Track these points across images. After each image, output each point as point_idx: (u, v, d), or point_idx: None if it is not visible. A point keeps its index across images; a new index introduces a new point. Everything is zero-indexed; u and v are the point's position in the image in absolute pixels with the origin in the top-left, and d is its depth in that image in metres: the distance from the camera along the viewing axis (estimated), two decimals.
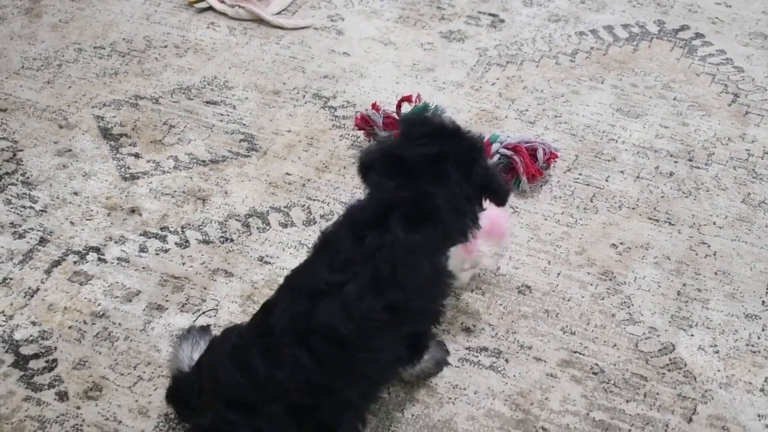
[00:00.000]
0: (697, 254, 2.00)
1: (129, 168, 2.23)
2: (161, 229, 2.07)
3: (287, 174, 2.21)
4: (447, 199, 1.47)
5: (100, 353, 1.81)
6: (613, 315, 1.87)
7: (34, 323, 1.86)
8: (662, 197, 2.14)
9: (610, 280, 1.94)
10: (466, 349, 1.81)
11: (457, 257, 1.74)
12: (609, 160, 2.24)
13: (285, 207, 2.12)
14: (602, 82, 2.48)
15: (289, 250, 2.01)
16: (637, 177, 2.19)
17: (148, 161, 2.25)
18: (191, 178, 2.20)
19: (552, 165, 2.19)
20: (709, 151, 2.26)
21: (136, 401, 1.72)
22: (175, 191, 2.17)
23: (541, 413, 1.70)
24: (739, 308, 1.89)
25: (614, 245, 2.02)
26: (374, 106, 2.24)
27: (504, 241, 1.94)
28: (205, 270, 1.97)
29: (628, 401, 1.72)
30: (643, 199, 2.13)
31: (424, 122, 1.57)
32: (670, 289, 1.93)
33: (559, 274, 1.96)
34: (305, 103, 2.42)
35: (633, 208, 2.11)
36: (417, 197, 1.46)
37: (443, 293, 1.60)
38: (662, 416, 1.69)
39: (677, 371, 1.77)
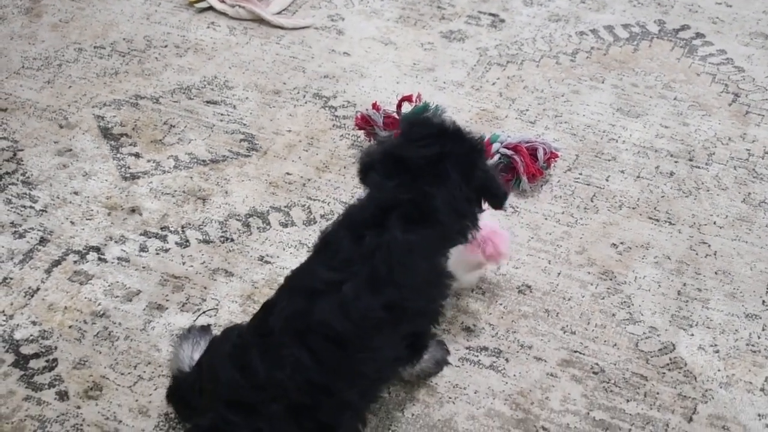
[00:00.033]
0: (697, 254, 2.00)
1: (129, 168, 2.23)
2: (161, 228, 2.07)
3: (287, 174, 2.21)
4: (446, 201, 1.47)
5: (100, 353, 1.81)
6: (614, 314, 1.87)
7: (34, 323, 1.86)
8: (662, 197, 2.14)
9: (611, 279, 1.94)
10: (467, 348, 1.81)
11: (462, 258, 1.74)
12: (609, 160, 2.24)
13: (285, 207, 2.12)
14: (603, 82, 2.48)
15: (289, 250, 2.01)
16: (638, 177, 2.19)
17: (149, 161, 2.25)
18: (191, 177, 2.20)
19: (552, 165, 2.19)
20: (709, 151, 2.26)
21: (137, 401, 1.72)
22: (175, 191, 2.17)
23: (541, 413, 1.70)
24: (740, 308, 1.89)
25: (614, 245, 2.02)
26: (374, 106, 2.24)
27: (503, 260, 1.91)
28: (206, 269, 1.97)
29: (628, 401, 1.72)
30: (644, 199, 2.13)
31: (425, 123, 1.57)
32: (671, 289, 1.93)
33: (559, 273, 1.96)
34: (305, 102, 2.42)
35: (633, 208, 2.11)
36: (416, 198, 1.46)
37: (442, 293, 1.59)
38: (662, 416, 1.69)
39: (677, 371, 1.77)
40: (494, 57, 2.57)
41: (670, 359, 1.79)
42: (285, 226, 2.07)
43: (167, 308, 1.89)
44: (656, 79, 2.49)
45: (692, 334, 1.83)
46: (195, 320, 1.86)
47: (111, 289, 1.93)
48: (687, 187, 2.16)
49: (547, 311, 1.88)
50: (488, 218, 1.68)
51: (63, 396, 1.73)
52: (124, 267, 1.98)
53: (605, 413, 1.70)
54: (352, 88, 2.46)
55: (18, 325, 1.86)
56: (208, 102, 2.43)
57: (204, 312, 1.88)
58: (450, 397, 1.72)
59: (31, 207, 2.12)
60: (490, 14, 2.74)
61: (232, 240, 2.04)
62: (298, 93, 2.45)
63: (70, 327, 1.85)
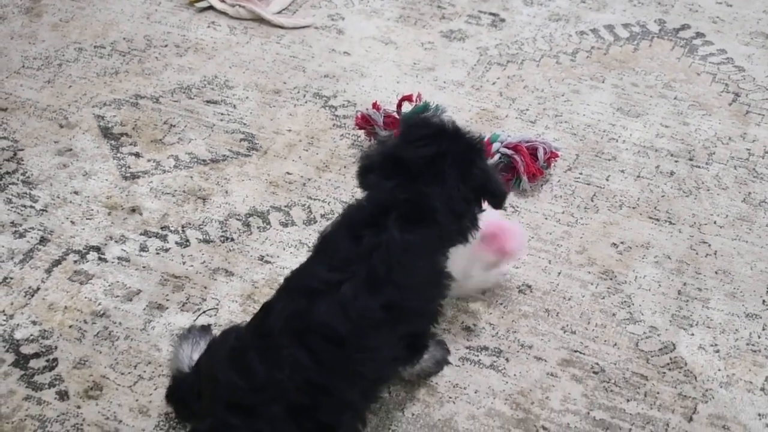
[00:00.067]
0: (697, 253, 2.00)
1: (129, 167, 2.23)
2: (162, 228, 2.07)
3: (288, 173, 2.21)
4: (444, 201, 1.47)
5: (100, 352, 1.81)
6: (614, 314, 1.87)
7: (34, 322, 1.86)
8: (663, 196, 2.14)
9: (611, 279, 1.94)
10: (467, 348, 1.81)
11: (476, 257, 1.73)
12: (609, 160, 2.24)
13: (285, 206, 2.12)
14: (603, 82, 2.48)
15: (289, 250, 2.01)
16: (638, 176, 2.19)
17: (149, 160, 2.25)
18: (192, 177, 2.20)
19: (552, 164, 2.19)
20: (709, 151, 2.26)
21: (137, 400, 1.72)
22: (175, 190, 2.17)
23: (541, 412, 1.70)
24: (740, 307, 1.89)
25: (615, 244, 2.02)
26: (375, 106, 2.24)
27: (517, 256, 1.90)
28: (206, 269, 1.97)
29: (628, 400, 1.72)
30: (644, 199, 2.13)
31: (423, 123, 1.57)
32: (671, 289, 1.93)
33: (559, 273, 1.96)
34: (306, 102, 2.42)
35: (633, 208, 2.11)
36: (414, 198, 1.46)
37: (441, 293, 1.59)
38: (663, 415, 1.69)
39: (678, 370, 1.77)
40: (494, 56, 2.57)
41: (671, 359, 1.79)
42: (285, 225, 2.07)
43: (167, 308, 1.89)
44: (656, 78, 2.49)
45: (692, 334, 1.83)
46: (195, 320, 1.86)
47: (111, 289, 1.93)
48: (687, 187, 2.16)
49: (548, 311, 1.88)
50: (498, 215, 1.67)
51: (63, 396, 1.73)
52: (124, 267, 1.98)
53: (605, 413, 1.70)
54: (352, 88, 2.46)
55: (18, 324, 1.86)
56: (208, 101, 2.43)
57: (204, 312, 1.88)
58: (450, 397, 1.72)
59: (31, 207, 2.12)
60: (491, 14, 2.74)
61: (233, 240, 2.04)
62: (299, 92, 2.45)
63: (70, 327, 1.85)
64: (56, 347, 1.81)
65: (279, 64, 2.55)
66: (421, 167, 1.48)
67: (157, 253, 2.01)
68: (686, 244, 2.02)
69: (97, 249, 2.02)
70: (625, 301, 1.90)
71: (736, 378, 1.76)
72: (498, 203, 1.57)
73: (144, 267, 1.98)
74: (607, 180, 2.18)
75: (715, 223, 2.07)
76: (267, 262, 1.98)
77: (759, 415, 1.69)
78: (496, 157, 2.12)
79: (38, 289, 1.93)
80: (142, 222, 2.08)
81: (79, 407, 1.71)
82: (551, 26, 2.69)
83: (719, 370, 1.77)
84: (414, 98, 2.21)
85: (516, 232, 1.81)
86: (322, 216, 2.09)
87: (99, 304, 1.90)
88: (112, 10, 2.78)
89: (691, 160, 2.23)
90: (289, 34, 2.68)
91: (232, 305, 1.89)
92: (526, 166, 2.11)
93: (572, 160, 2.24)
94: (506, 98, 2.42)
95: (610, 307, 1.89)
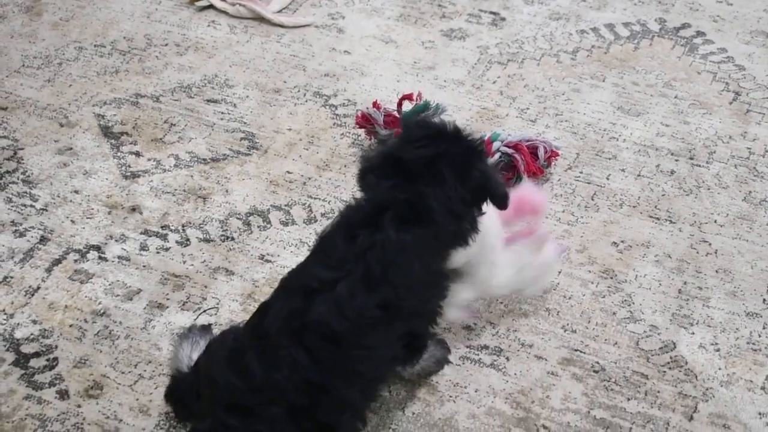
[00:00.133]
0: (698, 252, 2.00)
1: (130, 166, 2.23)
2: (162, 227, 2.07)
3: (288, 172, 2.21)
4: (441, 201, 1.47)
5: (100, 352, 1.81)
6: (614, 313, 1.87)
7: (34, 322, 1.86)
8: (663, 195, 2.14)
9: (611, 278, 1.94)
10: (467, 347, 1.81)
11: (501, 232, 1.73)
12: (610, 159, 2.24)
13: (286, 205, 2.12)
14: (603, 81, 2.47)
15: (289, 249, 2.01)
16: (638, 175, 2.19)
17: (149, 159, 2.25)
18: (192, 176, 2.20)
19: (553, 163, 2.19)
20: (710, 150, 2.26)
21: (137, 400, 1.72)
22: (175, 189, 2.17)
23: (542, 411, 1.70)
24: (740, 306, 1.89)
25: (615, 243, 2.02)
26: (375, 105, 2.23)
27: (540, 216, 1.86)
28: (206, 268, 1.97)
29: (629, 399, 1.72)
30: (644, 198, 2.13)
31: (423, 124, 1.57)
32: (671, 287, 1.92)
33: (560, 272, 1.96)
34: (306, 101, 2.42)
35: (634, 207, 2.11)
36: (411, 198, 1.46)
37: (439, 294, 1.59)
38: (663, 414, 1.69)
39: (678, 369, 1.77)
40: (495, 55, 2.57)
41: (671, 358, 1.79)
42: (285, 224, 2.07)
43: (168, 307, 1.89)
44: (657, 77, 2.49)
45: (693, 333, 1.83)
46: (195, 319, 1.86)
47: (111, 288, 1.93)
48: (688, 186, 2.16)
49: (548, 310, 1.88)
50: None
51: (63, 395, 1.73)
52: (124, 266, 1.98)
53: (606, 412, 1.70)
54: (352, 87, 2.46)
55: (18, 324, 1.86)
56: (208, 100, 2.43)
57: (204, 311, 1.88)
58: (451, 396, 1.72)
59: (31, 206, 2.12)
60: (491, 12, 2.74)
61: (233, 239, 2.04)
62: (299, 91, 2.45)
63: (70, 326, 1.85)
64: (56, 346, 1.81)
65: (279, 63, 2.55)
66: (420, 168, 1.48)
67: (158, 252, 2.01)
68: (687, 242, 2.02)
69: (98, 248, 2.02)
70: (625, 300, 1.90)
71: (737, 377, 1.75)
72: (500, 204, 1.57)
73: (144, 266, 1.98)
74: (607, 179, 2.18)
75: (715, 221, 2.07)
76: (267, 261, 1.98)
77: (759, 413, 1.69)
78: (497, 156, 2.11)
79: (38, 288, 1.93)
80: (143, 221, 2.08)
81: (79, 406, 1.71)
82: (552, 25, 2.68)
83: (720, 368, 1.77)
84: (414, 97, 2.21)
85: (530, 190, 1.83)
86: (323, 215, 2.09)
87: (99, 303, 1.90)
88: (113, 9, 2.78)
89: (691, 159, 2.23)
90: (289, 32, 2.68)
91: (233, 304, 1.89)
92: (527, 165, 2.11)
93: (573, 158, 2.23)
94: (507, 97, 2.42)
95: (610, 306, 1.89)
